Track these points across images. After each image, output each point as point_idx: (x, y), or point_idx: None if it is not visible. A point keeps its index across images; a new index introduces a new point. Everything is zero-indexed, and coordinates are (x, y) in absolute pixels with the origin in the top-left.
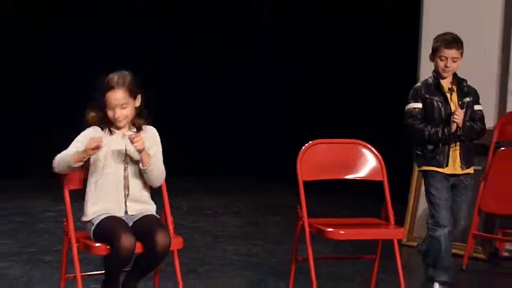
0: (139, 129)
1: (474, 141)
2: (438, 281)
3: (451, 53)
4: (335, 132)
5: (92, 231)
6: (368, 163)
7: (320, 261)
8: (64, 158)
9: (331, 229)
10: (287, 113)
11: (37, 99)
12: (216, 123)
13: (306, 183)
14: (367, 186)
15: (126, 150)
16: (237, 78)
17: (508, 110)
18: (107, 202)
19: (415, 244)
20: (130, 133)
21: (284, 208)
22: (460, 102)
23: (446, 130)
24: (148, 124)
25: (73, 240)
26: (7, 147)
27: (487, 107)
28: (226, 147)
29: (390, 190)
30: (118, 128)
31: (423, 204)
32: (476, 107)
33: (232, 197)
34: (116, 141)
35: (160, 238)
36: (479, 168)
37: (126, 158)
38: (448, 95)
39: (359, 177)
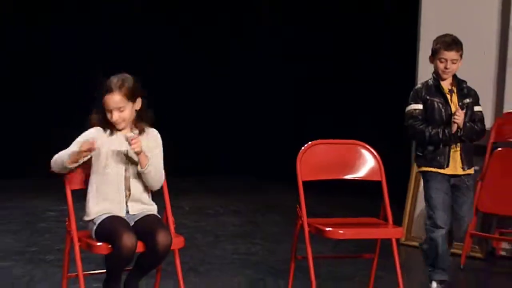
0: (141, 131)
1: (474, 142)
2: (436, 280)
3: (450, 55)
4: (335, 132)
5: (94, 230)
6: (366, 164)
7: (319, 260)
8: (61, 158)
9: (330, 229)
10: (287, 113)
11: (37, 99)
12: (216, 123)
13: (305, 183)
14: (365, 186)
15: (127, 151)
16: (237, 78)
17: (505, 111)
18: (108, 202)
19: (413, 243)
20: (131, 134)
21: (284, 208)
22: (460, 103)
23: (446, 131)
24: (151, 126)
25: (75, 239)
26: (7, 147)
27: (484, 108)
28: (226, 147)
29: (389, 190)
30: (119, 130)
31: (421, 204)
32: (476, 108)
33: (232, 197)
34: (117, 142)
35: (161, 238)
36: (476, 168)
37: (127, 159)
38: (448, 96)
39: (358, 177)
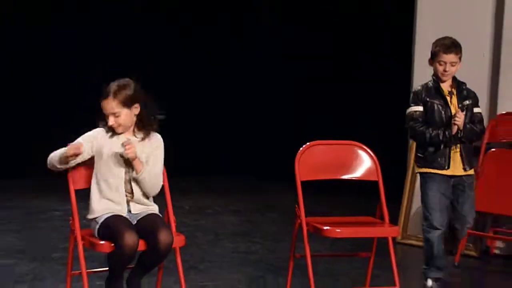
0: (144, 136)
1: (473, 143)
2: (431, 278)
3: (449, 57)
4: (334, 132)
5: (96, 229)
6: (363, 164)
7: (317, 258)
8: (53, 158)
9: (328, 228)
10: (287, 113)
11: (37, 99)
12: (216, 123)
13: (304, 183)
14: (362, 186)
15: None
16: (237, 78)
17: (498, 113)
18: (109, 202)
19: (409, 242)
20: (134, 138)
21: (283, 207)
22: (460, 105)
23: (447, 133)
24: (155, 131)
25: (79, 238)
26: (7, 147)
27: None
28: (226, 147)
29: (385, 190)
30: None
31: (416, 203)
32: (476, 110)
33: (232, 197)
34: (118, 145)
35: (163, 236)
36: None
37: (128, 162)
38: (448, 98)
39: (355, 177)
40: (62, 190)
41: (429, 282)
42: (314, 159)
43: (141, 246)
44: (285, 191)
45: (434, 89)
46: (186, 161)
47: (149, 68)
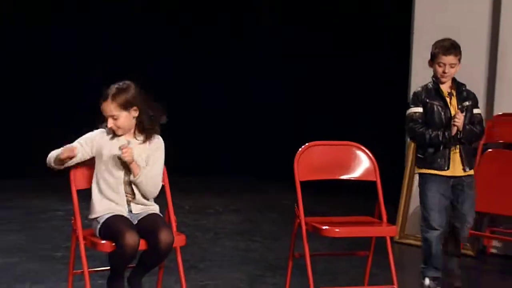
0: (145, 139)
1: (473, 144)
2: (429, 277)
3: (448, 59)
4: (334, 132)
5: (98, 229)
6: (362, 164)
7: (316, 257)
8: (51, 158)
9: (327, 227)
10: (287, 113)
11: (37, 99)
12: (216, 123)
13: (303, 184)
14: (362, 186)
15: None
16: (237, 78)
17: (495, 114)
18: (110, 202)
19: (407, 241)
20: (135, 140)
21: (282, 207)
22: (459, 106)
23: (446, 134)
24: (157, 133)
25: (81, 238)
26: (7, 147)
27: None
28: (226, 147)
29: (383, 190)
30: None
31: (414, 203)
32: (475, 111)
33: (232, 197)
34: (118, 147)
35: (164, 236)
36: None
37: (127, 164)
38: (448, 99)
39: (353, 178)
40: (63, 190)
41: (427, 281)
42: (313, 160)
43: (142, 245)
44: (285, 191)
45: (434, 91)
46: (187, 161)
47: (149, 68)
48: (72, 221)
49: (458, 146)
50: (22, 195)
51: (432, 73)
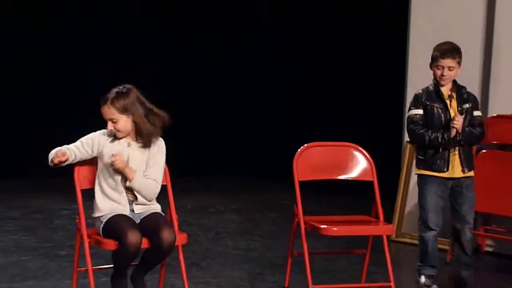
0: (145, 143)
1: (473, 146)
2: (425, 274)
3: (447, 62)
4: (334, 132)
5: (101, 228)
6: (359, 165)
7: (315, 256)
8: (49, 158)
9: (325, 226)
10: (287, 113)
11: (37, 99)
12: (216, 123)
13: (302, 184)
14: (362, 186)
15: (128, 158)
16: (237, 78)
17: (489, 115)
18: (113, 202)
19: (403, 240)
20: (135, 143)
21: (282, 207)
22: (459, 108)
23: (446, 135)
24: (158, 135)
25: (85, 236)
26: (7, 147)
27: None
28: (226, 147)
29: (380, 189)
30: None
31: (410, 203)
32: (475, 113)
33: (232, 196)
34: (120, 149)
35: (166, 235)
36: None
37: (128, 165)
38: (448, 101)
39: (351, 178)
40: (64, 190)
41: (423, 279)
42: (311, 160)
43: (145, 244)
44: (284, 191)
45: (434, 93)
46: (187, 161)
47: (149, 68)
48: (77, 220)
49: (457, 148)
50: (22, 195)
51: (431, 73)
